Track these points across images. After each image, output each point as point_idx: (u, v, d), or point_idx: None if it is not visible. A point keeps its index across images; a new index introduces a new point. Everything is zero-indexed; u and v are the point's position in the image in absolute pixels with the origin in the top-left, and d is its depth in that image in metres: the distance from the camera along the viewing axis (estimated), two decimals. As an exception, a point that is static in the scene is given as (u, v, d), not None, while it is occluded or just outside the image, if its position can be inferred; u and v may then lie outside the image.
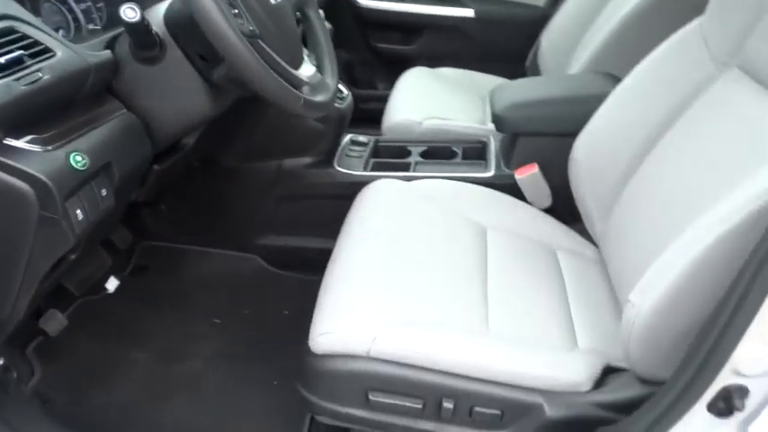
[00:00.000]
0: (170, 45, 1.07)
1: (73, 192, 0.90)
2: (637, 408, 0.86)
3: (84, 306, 1.54)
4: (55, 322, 1.30)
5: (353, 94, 1.71)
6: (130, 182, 1.13)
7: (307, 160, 1.59)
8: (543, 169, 1.42)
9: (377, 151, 1.67)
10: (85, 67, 0.97)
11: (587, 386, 0.92)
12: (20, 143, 0.86)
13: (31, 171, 0.84)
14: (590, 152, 1.23)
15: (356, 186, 1.37)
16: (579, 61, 1.72)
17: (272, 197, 1.63)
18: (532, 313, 1.06)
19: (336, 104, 1.57)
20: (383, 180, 1.37)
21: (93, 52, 1.02)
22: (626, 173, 1.12)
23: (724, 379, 0.73)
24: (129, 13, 0.96)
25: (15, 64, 0.87)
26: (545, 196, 1.44)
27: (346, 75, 2.45)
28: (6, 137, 0.85)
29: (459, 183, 1.39)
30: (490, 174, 1.50)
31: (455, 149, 1.63)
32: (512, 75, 2.18)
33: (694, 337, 0.80)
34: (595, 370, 0.94)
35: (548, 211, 1.40)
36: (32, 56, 0.90)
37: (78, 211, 0.90)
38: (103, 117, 1.03)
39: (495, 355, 0.94)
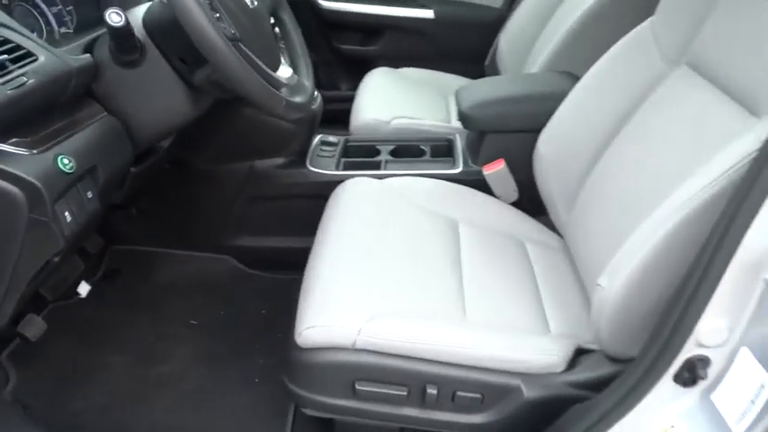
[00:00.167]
0: (150, 48, 1.08)
1: (61, 194, 0.90)
2: (608, 385, 0.91)
3: (57, 311, 1.53)
4: (34, 327, 1.28)
5: (318, 95, 1.73)
6: (113, 185, 1.13)
7: (279, 161, 1.60)
8: (509, 164, 1.46)
9: (347, 151, 1.69)
10: (68, 71, 0.97)
11: (561, 367, 0.97)
12: (6, 146, 0.86)
13: (21, 174, 0.84)
14: (553, 147, 1.29)
15: (329, 186, 1.39)
16: (537, 61, 1.77)
17: (245, 198, 1.63)
18: (506, 301, 1.11)
19: (307, 105, 1.59)
20: (356, 179, 1.40)
21: (74, 56, 1.02)
22: (587, 166, 1.17)
23: (688, 351, 0.78)
24: (115, 17, 0.97)
25: (-1, 69, 0.87)
26: (512, 191, 1.48)
27: (310, 76, 2.46)
28: (-7, 141, 0.85)
29: (430, 180, 1.43)
30: (458, 170, 1.54)
31: (423, 147, 1.67)
32: (471, 74, 2.25)
33: (659, 315, 0.86)
34: (568, 352, 0.99)
35: (514, 204, 1.44)
36: (15, 60, 0.89)
37: (67, 214, 0.90)
38: (85, 121, 1.03)
39: (475, 341, 0.98)
